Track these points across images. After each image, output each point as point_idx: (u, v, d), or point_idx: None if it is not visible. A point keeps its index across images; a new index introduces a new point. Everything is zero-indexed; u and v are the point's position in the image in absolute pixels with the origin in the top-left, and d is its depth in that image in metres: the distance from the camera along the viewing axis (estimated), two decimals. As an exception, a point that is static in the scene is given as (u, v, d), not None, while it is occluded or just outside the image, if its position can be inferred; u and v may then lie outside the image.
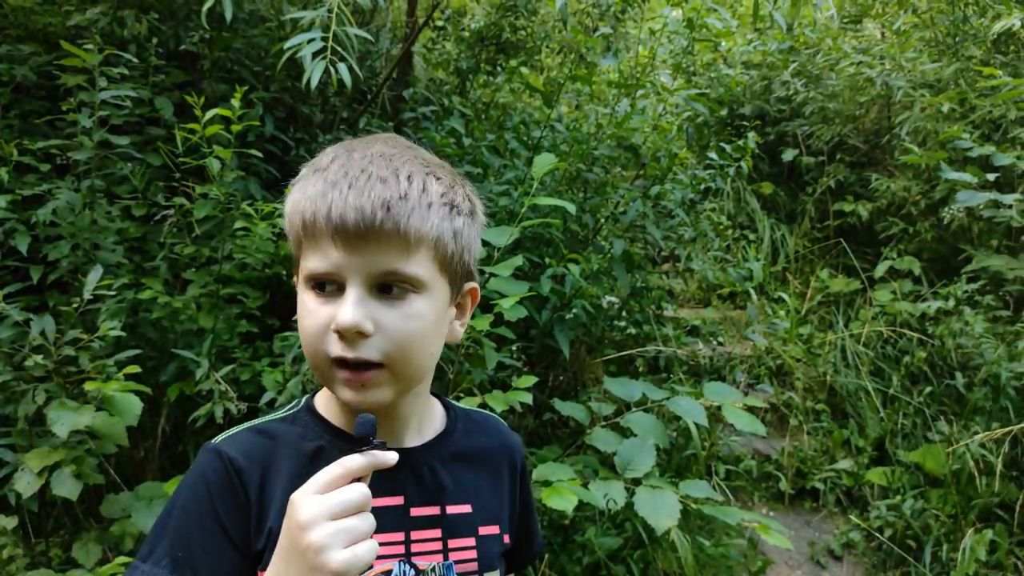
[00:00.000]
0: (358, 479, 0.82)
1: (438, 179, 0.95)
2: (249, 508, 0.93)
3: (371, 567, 0.89)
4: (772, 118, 6.76)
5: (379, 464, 0.82)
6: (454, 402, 1.16)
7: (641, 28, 5.44)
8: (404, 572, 0.97)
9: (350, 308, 0.87)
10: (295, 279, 1.00)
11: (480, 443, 1.11)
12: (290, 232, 0.96)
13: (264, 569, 0.89)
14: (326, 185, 0.90)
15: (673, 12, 5.24)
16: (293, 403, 1.07)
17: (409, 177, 0.91)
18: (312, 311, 0.91)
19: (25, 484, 2.25)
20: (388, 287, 0.90)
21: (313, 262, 0.91)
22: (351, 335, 0.88)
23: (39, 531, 2.65)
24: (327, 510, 0.77)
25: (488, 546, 1.04)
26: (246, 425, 1.02)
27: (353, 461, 0.81)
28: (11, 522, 2.46)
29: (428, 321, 0.94)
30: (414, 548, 0.98)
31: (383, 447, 0.83)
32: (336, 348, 0.89)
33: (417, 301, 0.92)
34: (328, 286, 0.91)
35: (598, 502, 2.58)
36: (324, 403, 1.04)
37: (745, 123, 5.98)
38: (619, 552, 3.18)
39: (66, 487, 2.27)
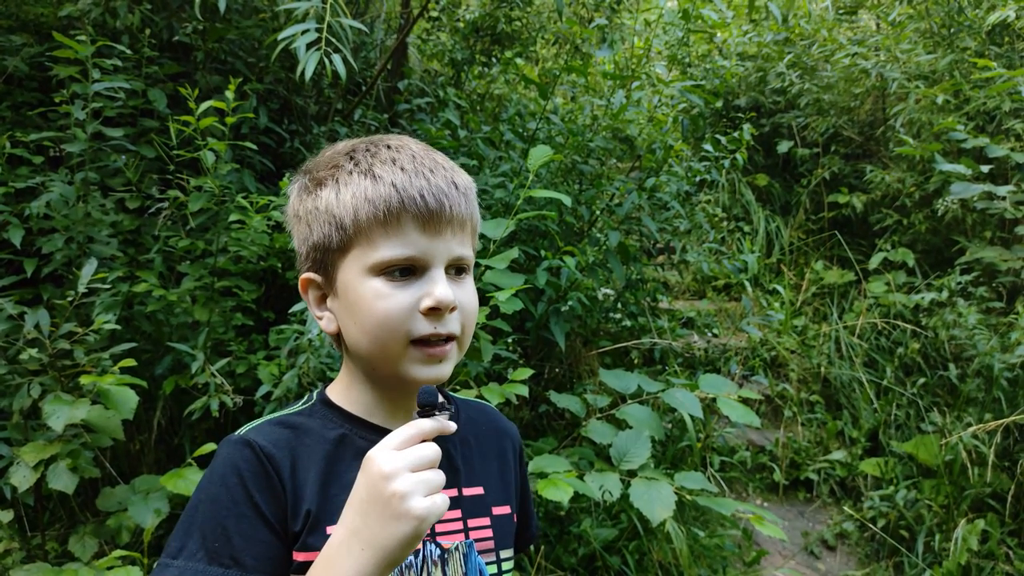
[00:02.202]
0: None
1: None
2: (284, 492, 0.95)
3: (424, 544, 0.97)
4: (767, 110, 6.76)
5: (445, 429, 0.88)
6: (451, 392, 1.21)
7: (636, 19, 5.42)
8: (431, 551, 1.01)
9: (443, 286, 0.95)
10: (313, 274, 1.02)
11: (483, 430, 1.17)
12: (349, 221, 0.96)
13: (302, 550, 0.93)
14: (405, 175, 0.96)
15: (668, 3, 5.22)
16: (305, 399, 1.09)
17: (459, 171, 1.02)
18: (387, 295, 0.95)
19: (21, 478, 2.24)
20: (458, 269, 1.00)
21: (392, 249, 0.95)
22: (446, 311, 0.95)
23: (35, 525, 2.65)
24: (408, 463, 0.82)
25: (502, 525, 1.09)
26: (264, 419, 1.04)
27: (425, 423, 0.87)
28: (7, 516, 2.45)
29: (477, 298, 1.05)
30: (438, 528, 1.02)
31: (451, 411, 0.90)
32: (424, 327, 0.95)
33: (469, 280, 1.03)
34: (403, 272, 0.95)
35: (594, 494, 2.59)
36: (340, 395, 1.06)
37: (740, 115, 5.98)
38: (614, 543, 3.20)
39: (62, 481, 2.26)
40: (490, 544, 1.06)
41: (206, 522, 0.92)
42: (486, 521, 1.07)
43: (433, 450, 0.85)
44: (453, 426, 0.89)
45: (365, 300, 0.95)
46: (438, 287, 0.94)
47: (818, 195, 6.39)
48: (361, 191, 0.95)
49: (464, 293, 1.00)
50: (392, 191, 0.94)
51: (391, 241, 0.94)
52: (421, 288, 0.95)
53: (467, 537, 1.04)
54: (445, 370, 0.98)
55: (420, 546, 1.00)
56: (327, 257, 0.99)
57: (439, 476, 0.84)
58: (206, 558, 0.90)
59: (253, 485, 0.93)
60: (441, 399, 0.94)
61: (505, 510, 1.11)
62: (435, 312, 0.94)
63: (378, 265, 0.95)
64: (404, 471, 0.81)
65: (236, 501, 0.92)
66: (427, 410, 0.88)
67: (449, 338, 0.97)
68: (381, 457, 0.83)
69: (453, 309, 0.96)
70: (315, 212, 0.99)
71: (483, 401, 1.27)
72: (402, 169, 0.96)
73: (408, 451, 0.83)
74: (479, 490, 1.09)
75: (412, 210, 0.94)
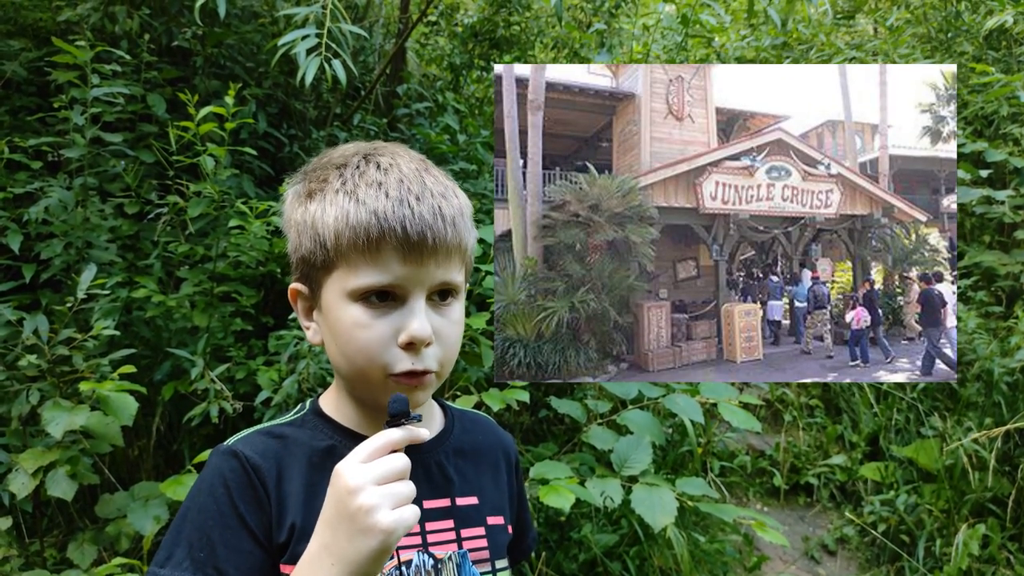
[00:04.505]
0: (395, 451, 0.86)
1: (459, 192, 1.02)
2: (269, 503, 0.95)
3: (394, 557, 0.96)
4: (765, 114, 6.76)
5: (415, 438, 0.86)
6: (448, 402, 1.21)
7: (635, 24, 5.43)
8: (424, 562, 1.00)
9: (421, 320, 0.93)
10: (301, 285, 1.03)
11: (478, 440, 1.16)
12: (331, 243, 0.95)
13: (288, 563, 0.92)
14: (389, 203, 0.93)
15: (667, 7, 5.23)
16: (297, 408, 1.09)
17: (455, 192, 1.00)
18: (366, 324, 0.94)
19: (19, 485, 2.23)
20: (442, 295, 0.98)
21: (371, 276, 0.93)
22: (422, 346, 0.93)
23: (33, 531, 2.63)
24: (374, 476, 0.81)
25: (496, 535, 1.09)
26: (254, 429, 1.04)
27: (393, 434, 0.85)
28: (5, 522, 2.43)
29: (463, 323, 1.04)
30: (430, 539, 1.02)
31: (419, 420, 0.87)
32: (402, 363, 0.93)
33: (456, 306, 1.01)
34: (382, 298, 0.94)
35: (595, 500, 2.58)
36: (331, 406, 1.06)
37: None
38: (615, 549, 3.19)
39: (61, 487, 2.25)
40: (485, 554, 1.06)
41: (193, 531, 0.92)
42: (480, 531, 1.07)
43: (402, 461, 0.83)
44: (426, 433, 0.87)
45: (345, 326, 0.95)
46: (415, 321, 0.93)
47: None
48: (343, 215, 0.94)
49: (446, 321, 0.98)
50: (373, 219, 0.92)
51: (371, 269, 0.93)
52: (400, 319, 0.93)
53: (460, 547, 1.04)
54: (421, 397, 0.98)
55: (413, 557, 0.99)
56: (312, 272, 0.99)
57: (408, 488, 0.83)
58: (192, 567, 0.90)
59: (238, 496, 0.94)
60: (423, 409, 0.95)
61: (499, 520, 1.11)
62: (411, 347, 0.93)
63: (357, 291, 0.94)
64: (370, 484, 0.80)
65: (222, 512, 0.93)
66: (396, 420, 0.86)
67: (426, 371, 0.96)
68: (347, 470, 0.82)
69: (429, 344, 0.94)
70: (303, 224, 0.99)
71: (479, 412, 1.27)
72: (386, 195, 0.93)
73: (375, 464, 0.82)
74: (473, 500, 1.08)
75: (392, 241, 0.92)
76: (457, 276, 0.99)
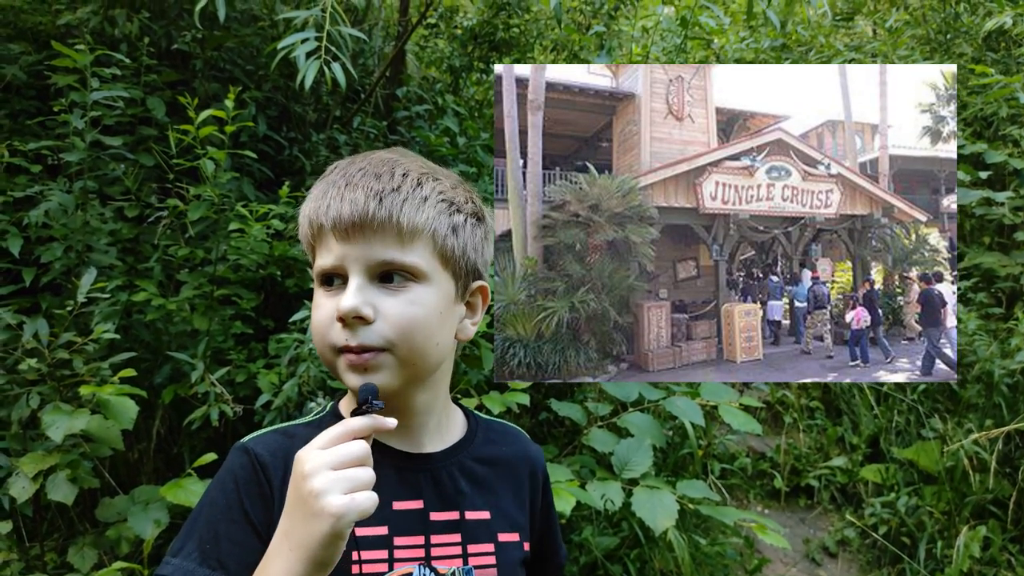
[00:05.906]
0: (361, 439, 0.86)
1: (436, 180, 1.01)
2: (273, 500, 0.96)
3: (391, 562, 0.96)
4: (765, 116, 6.77)
5: (380, 426, 0.86)
6: (478, 412, 1.19)
7: (634, 26, 5.43)
8: (425, 575, 0.99)
9: (350, 295, 0.93)
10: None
11: (500, 452, 1.13)
12: (304, 240, 1.03)
13: None
14: (326, 186, 0.99)
15: (666, 10, 5.24)
16: (319, 409, 1.12)
17: (405, 174, 0.98)
18: (320, 304, 0.98)
19: (20, 489, 2.23)
20: (388, 276, 0.96)
21: (321, 259, 0.98)
22: (350, 320, 0.93)
23: (33, 535, 2.63)
24: (328, 461, 0.82)
25: (507, 553, 1.06)
26: (272, 428, 1.07)
27: (355, 422, 0.86)
28: (5, 527, 2.43)
29: (430, 309, 0.98)
30: (434, 552, 1.00)
31: (381, 407, 0.87)
32: (340, 337, 0.94)
33: (418, 290, 0.97)
34: (335, 280, 0.97)
35: (595, 502, 2.58)
36: (344, 406, 1.08)
37: (738, 121, 5.96)
38: (616, 551, 3.18)
39: (61, 491, 2.25)
40: (492, 572, 1.03)
41: (204, 524, 0.95)
42: (489, 548, 1.04)
43: (359, 448, 0.84)
44: (391, 423, 0.87)
45: (311, 310, 1.01)
46: (345, 297, 0.93)
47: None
48: (305, 209, 1.01)
49: (392, 303, 0.95)
50: (315, 204, 0.98)
51: (320, 252, 0.99)
52: (341, 297, 0.95)
53: (466, 563, 1.02)
54: (378, 379, 0.95)
55: (413, 570, 0.98)
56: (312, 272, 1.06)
57: (364, 473, 0.83)
58: (199, 558, 0.92)
59: (245, 491, 0.96)
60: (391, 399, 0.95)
61: (513, 537, 1.08)
62: (343, 322, 0.94)
63: (317, 276, 0.99)
64: (323, 469, 0.81)
65: (230, 505, 0.95)
66: (361, 408, 0.87)
67: (369, 349, 0.94)
68: (304, 456, 0.83)
69: (359, 318, 0.93)
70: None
71: (510, 424, 1.23)
72: (326, 182, 0.99)
73: (331, 449, 0.83)
74: (484, 515, 1.06)
75: (326, 221, 0.96)
76: (408, 257, 0.95)
